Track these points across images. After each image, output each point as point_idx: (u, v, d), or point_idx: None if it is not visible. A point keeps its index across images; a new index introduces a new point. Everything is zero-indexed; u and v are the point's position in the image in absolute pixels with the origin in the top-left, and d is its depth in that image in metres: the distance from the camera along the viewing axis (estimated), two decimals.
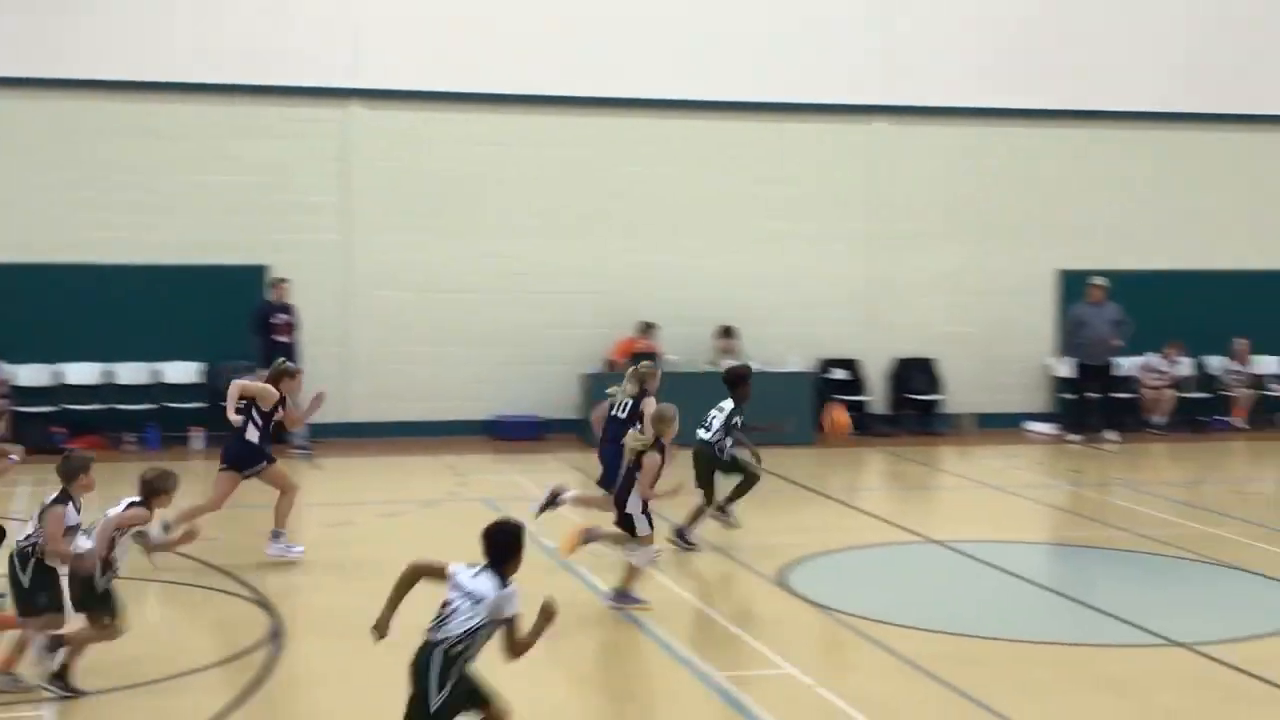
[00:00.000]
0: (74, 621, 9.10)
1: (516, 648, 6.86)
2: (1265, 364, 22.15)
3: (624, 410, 12.65)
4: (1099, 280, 20.80)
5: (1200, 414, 21.64)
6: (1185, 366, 21.74)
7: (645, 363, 13.15)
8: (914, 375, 21.21)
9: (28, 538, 9.04)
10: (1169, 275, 21.71)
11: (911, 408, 21.09)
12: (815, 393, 20.32)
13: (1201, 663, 10.22)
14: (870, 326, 21.31)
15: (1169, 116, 21.77)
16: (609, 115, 20.61)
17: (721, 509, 13.56)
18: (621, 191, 20.69)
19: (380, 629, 7.03)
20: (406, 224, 20.20)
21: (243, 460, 12.46)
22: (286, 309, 19.01)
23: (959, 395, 21.35)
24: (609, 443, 12.47)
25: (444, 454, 18.55)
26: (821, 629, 10.85)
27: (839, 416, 15.19)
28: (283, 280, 19.12)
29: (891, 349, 21.31)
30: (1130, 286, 20.91)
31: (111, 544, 8.85)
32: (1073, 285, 21.44)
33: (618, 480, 11.41)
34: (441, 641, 6.70)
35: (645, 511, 11.12)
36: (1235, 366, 21.79)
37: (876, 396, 21.23)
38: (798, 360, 20.43)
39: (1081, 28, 21.61)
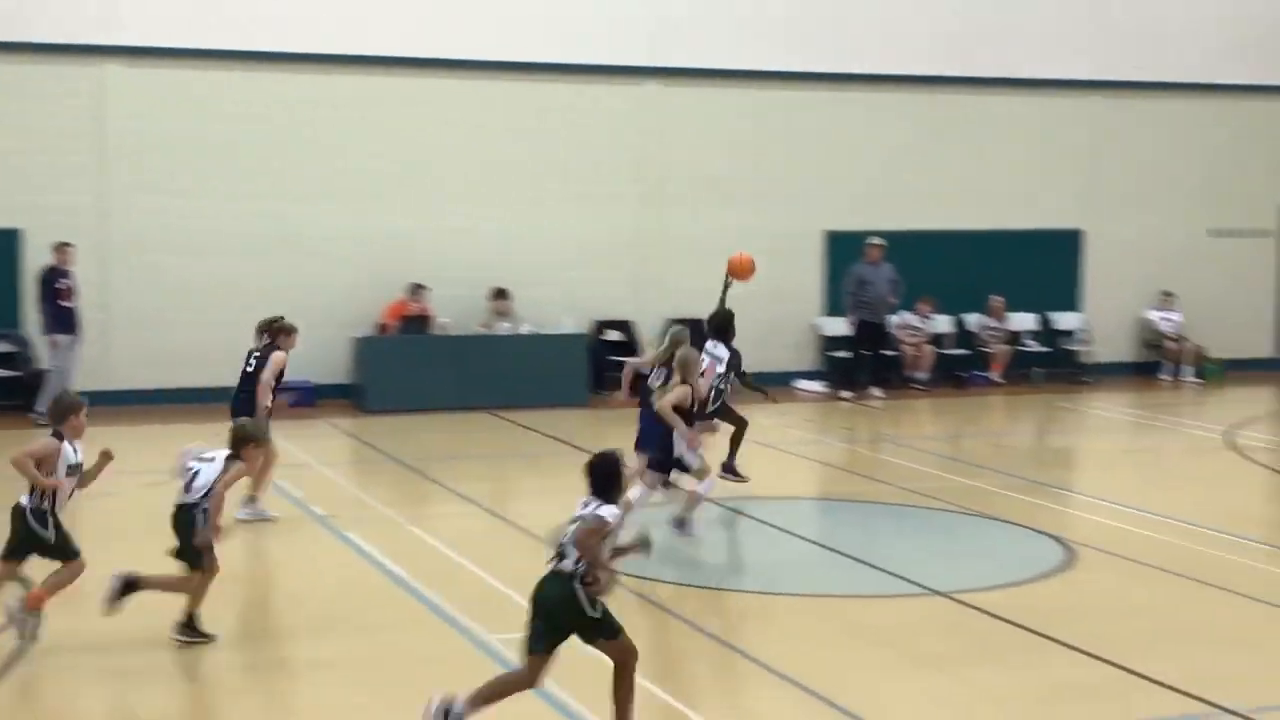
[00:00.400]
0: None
1: (589, 553, 7.39)
2: (1021, 320, 22.97)
3: (660, 378, 12.32)
4: (876, 240, 21.30)
5: (960, 370, 22.36)
6: (940, 323, 22.39)
7: (677, 328, 13.02)
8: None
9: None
10: (930, 235, 22.34)
11: None
12: (589, 354, 20.39)
13: (961, 610, 10.58)
14: (643, 288, 21.46)
15: (930, 80, 22.35)
16: (378, 75, 20.29)
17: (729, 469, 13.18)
18: (392, 153, 20.39)
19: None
20: (170, 186, 19.58)
21: None
22: (67, 274, 18.34)
23: None
24: (645, 405, 12.34)
25: (211, 421, 18.06)
26: None
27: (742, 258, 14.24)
28: (67, 245, 18.39)
29: (665, 310, 21.48)
30: (893, 246, 21.45)
31: (222, 501, 9.35)
32: (839, 246, 21.92)
33: (654, 442, 11.84)
34: (575, 569, 7.36)
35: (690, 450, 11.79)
36: (992, 323, 22.55)
37: (650, 358, 21.35)
38: (571, 322, 20.46)
39: None
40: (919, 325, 22.03)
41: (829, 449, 17.59)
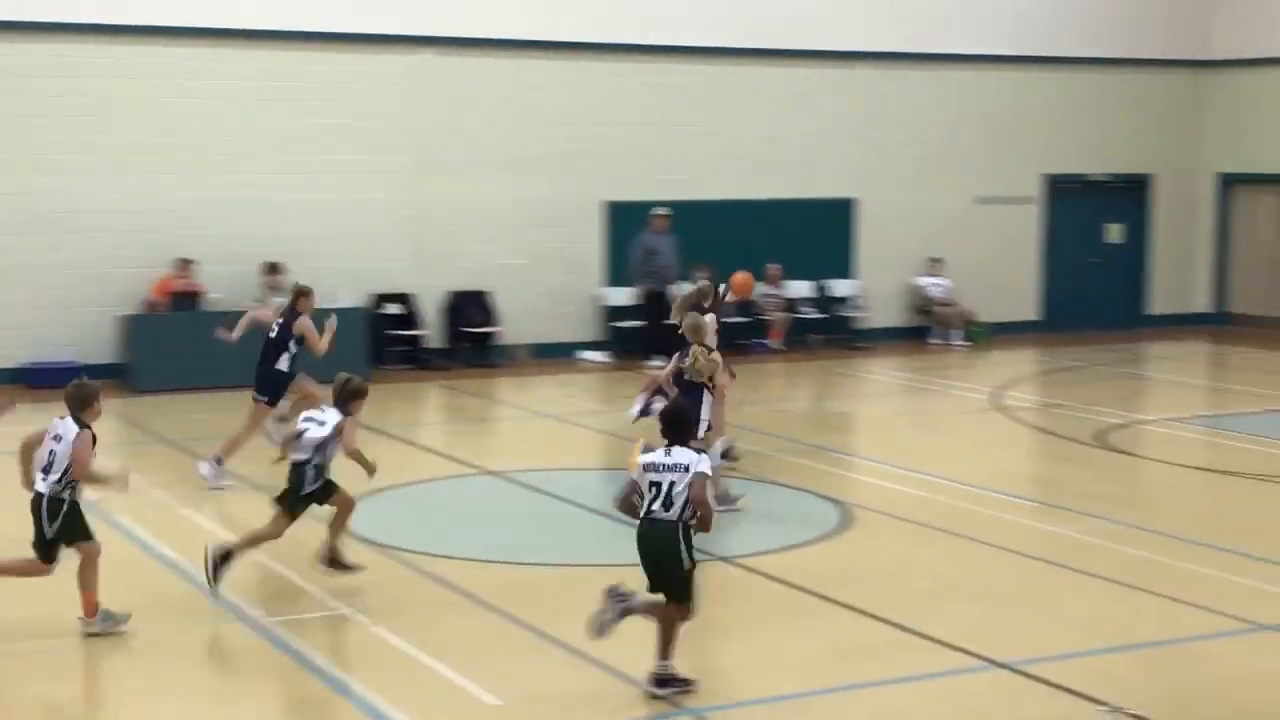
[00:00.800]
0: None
1: (704, 506, 8.09)
2: (798, 288, 23.34)
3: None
4: (662, 210, 21.38)
5: (740, 337, 22.59)
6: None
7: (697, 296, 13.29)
8: (468, 308, 21.23)
9: None
10: (708, 205, 22.51)
11: (467, 341, 21.13)
12: (368, 328, 20.08)
13: (744, 575, 10.69)
14: (422, 260, 21.18)
15: (706, 51, 22.50)
16: (140, 44, 19.53)
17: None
18: (156, 124, 19.68)
19: None
20: None
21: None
22: None
23: (513, 327, 21.53)
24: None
25: None
26: (379, 567, 10.73)
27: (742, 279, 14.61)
28: None
29: (445, 282, 21.26)
30: (673, 216, 21.56)
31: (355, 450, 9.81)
32: (619, 216, 21.95)
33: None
34: (681, 516, 8.05)
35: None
36: (771, 291, 22.86)
37: (431, 330, 21.16)
38: (349, 296, 20.08)
39: None
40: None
41: (612, 419, 17.62)
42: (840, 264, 23.80)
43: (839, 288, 23.72)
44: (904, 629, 9.46)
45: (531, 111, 21.61)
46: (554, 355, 21.61)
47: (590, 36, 21.82)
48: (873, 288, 23.90)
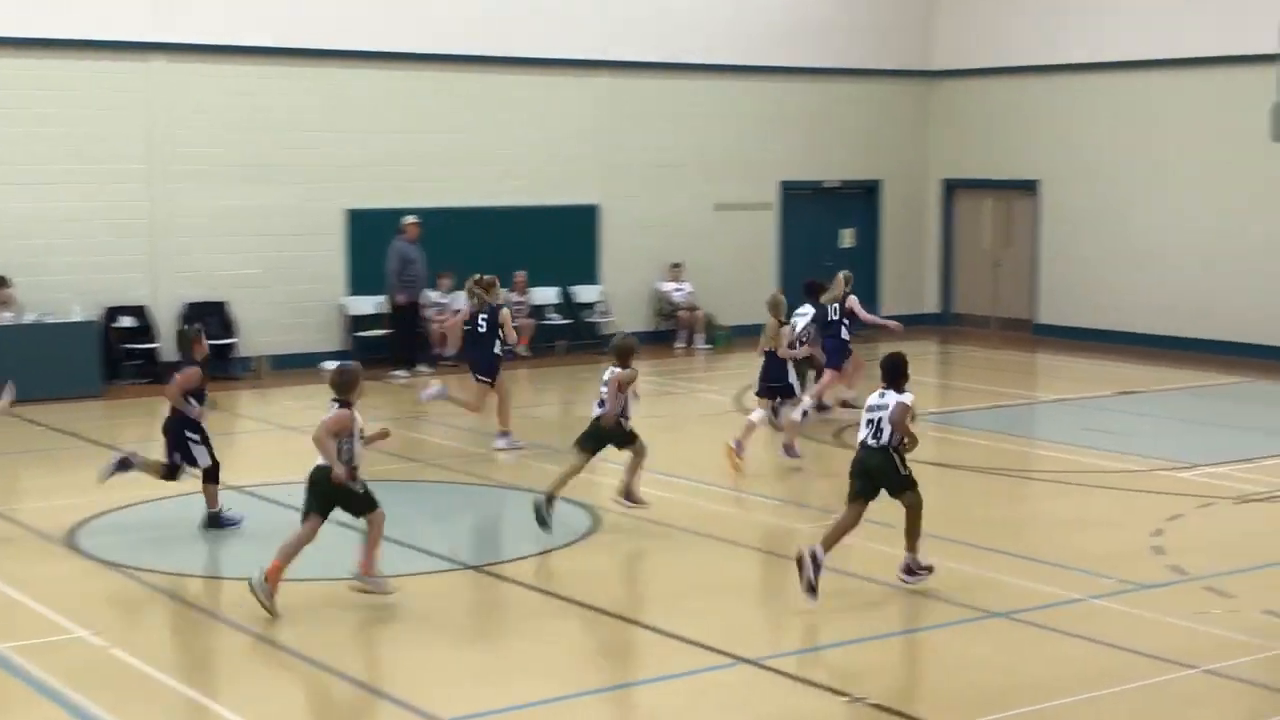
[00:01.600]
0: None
1: (901, 428, 10.17)
2: (544, 295, 23.44)
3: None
4: (413, 218, 21.19)
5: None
6: (461, 299, 22.34)
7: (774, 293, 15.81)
8: (206, 320, 20.69)
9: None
10: (453, 212, 22.40)
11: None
12: (101, 342, 19.43)
13: (491, 582, 10.71)
14: (157, 271, 20.58)
15: (448, 58, 22.39)
16: None
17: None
18: None
19: None
20: None
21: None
22: None
23: (253, 338, 21.10)
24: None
25: None
26: (114, 589, 10.42)
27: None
28: None
29: (182, 294, 20.71)
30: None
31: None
32: (360, 224, 21.70)
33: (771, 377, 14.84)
34: (888, 443, 10.15)
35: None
36: (517, 298, 22.89)
37: (168, 343, 20.57)
38: (81, 309, 19.40)
39: None
40: (444, 301, 22.05)
41: None
42: (585, 270, 24.00)
43: (584, 293, 23.91)
44: (653, 629, 9.61)
45: (270, 119, 21.21)
46: (295, 366, 21.24)
47: (327, 43, 21.50)
48: (617, 293, 24.17)
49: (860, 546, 11.05)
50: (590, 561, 11.43)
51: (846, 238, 26.66)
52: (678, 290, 24.33)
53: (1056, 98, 25.14)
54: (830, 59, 25.84)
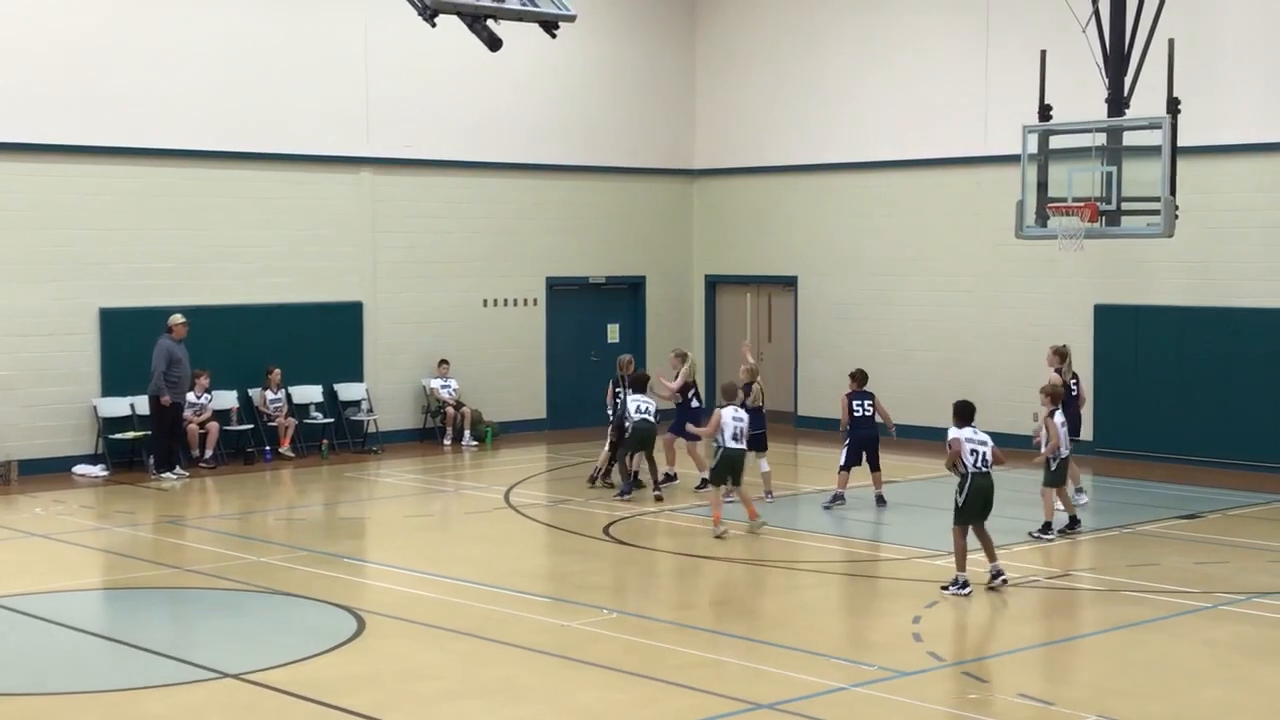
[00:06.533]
0: None
1: (999, 460, 13.59)
2: (307, 393, 23.04)
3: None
4: (179, 317, 20.55)
5: (250, 445, 22.07)
6: (218, 399, 21.83)
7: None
8: None
9: None
10: (211, 310, 21.82)
11: None
12: None
13: (251, 690, 10.39)
14: None
15: (200, 154, 21.91)
16: None
17: None
18: None
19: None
20: None
21: None
22: None
23: (2, 441, 20.24)
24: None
25: None
26: None
27: None
28: None
29: None
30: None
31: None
32: (113, 323, 21.04)
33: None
34: (990, 472, 13.39)
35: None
36: (275, 396, 22.46)
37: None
38: None
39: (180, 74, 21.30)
40: (201, 401, 21.47)
41: (112, 535, 16.80)
42: (350, 367, 23.69)
43: (349, 391, 23.60)
44: None
45: (18, 217, 20.52)
46: (44, 470, 20.43)
47: (80, 139, 20.90)
48: (382, 390, 23.92)
49: (613, 639, 10.99)
50: (351, 666, 11.15)
51: (613, 332, 26.92)
52: (444, 386, 24.19)
53: (813, 196, 25.92)
54: (596, 157, 26.22)
